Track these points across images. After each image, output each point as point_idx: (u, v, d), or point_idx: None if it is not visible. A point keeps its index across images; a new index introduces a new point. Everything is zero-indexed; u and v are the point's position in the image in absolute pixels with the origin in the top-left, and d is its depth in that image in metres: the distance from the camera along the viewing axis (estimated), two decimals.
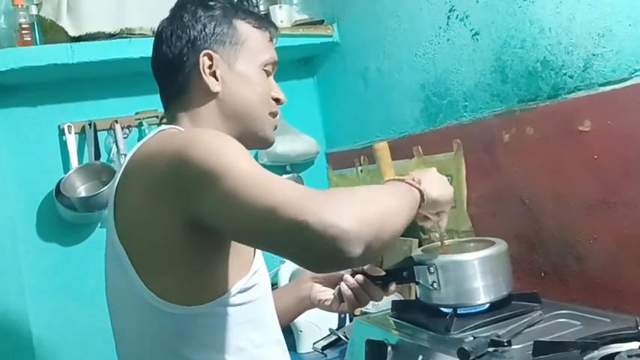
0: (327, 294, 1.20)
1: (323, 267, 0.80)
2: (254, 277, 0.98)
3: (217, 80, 1.04)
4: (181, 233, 0.87)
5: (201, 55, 1.03)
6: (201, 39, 1.04)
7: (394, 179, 0.99)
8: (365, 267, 1.16)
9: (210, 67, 1.04)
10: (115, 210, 0.95)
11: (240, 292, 0.95)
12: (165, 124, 1.07)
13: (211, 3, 1.07)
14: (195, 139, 0.86)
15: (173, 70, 1.06)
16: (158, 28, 1.09)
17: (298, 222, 0.71)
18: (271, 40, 1.12)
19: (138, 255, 0.91)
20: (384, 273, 1.15)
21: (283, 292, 1.28)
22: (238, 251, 0.96)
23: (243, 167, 0.80)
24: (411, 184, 0.96)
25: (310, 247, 0.72)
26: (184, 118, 1.05)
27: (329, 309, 1.20)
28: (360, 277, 1.13)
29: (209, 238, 0.88)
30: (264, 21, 1.12)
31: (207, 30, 1.04)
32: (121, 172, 0.97)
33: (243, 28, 1.07)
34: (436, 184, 1.04)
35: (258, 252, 1.02)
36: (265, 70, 1.09)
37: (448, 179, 1.50)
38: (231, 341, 0.95)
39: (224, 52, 1.05)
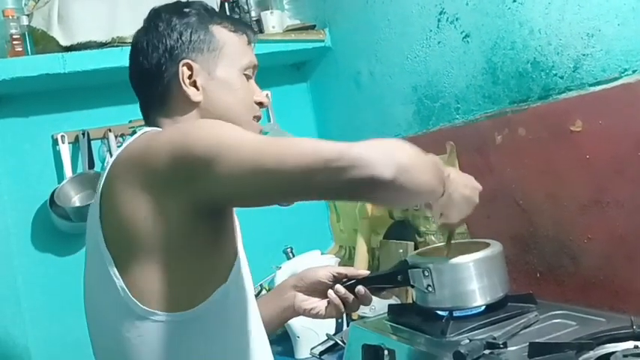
0: (311, 302, 1.18)
1: (359, 189, 0.81)
2: (236, 281, 0.98)
3: (198, 89, 1.03)
4: (178, 226, 0.88)
5: (180, 65, 1.02)
6: (178, 48, 1.03)
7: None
8: (349, 272, 1.17)
9: (189, 76, 1.03)
10: (101, 216, 0.93)
11: (223, 295, 0.94)
12: None
13: (186, 10, 1.06)
14: (194, 126, 0.89)
15: (152, 81, 1.04)
16: (133, 40, 1.08)
17: (333, 153, 0.77)
18: (249, 43, 1.10)
19: (125, 261, 0.90)
20: (366, 274, 1.15)
21: (267, 300, 1.25)
22: (220, 255, 0.95)
23: (251, 135, 0.84)
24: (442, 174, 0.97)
25: (347, 170, 0.76)
26: (167, 126, 1.04)
27: (315, 317, 1.19)
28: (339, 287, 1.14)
29: (203, 229, 0.89)
30: (241, 24, 1.11)
31: (183, 38, 1.03)
32: (104, 179, 0.95)
33: (221, 33, 1.06)
34: (460, 201, 1.02)
35: (240, 256, 1.01)
36: (245, 75, 1.08)
37: None
38: (216, 345, 0.95)
39: (203, 59, 1.04)
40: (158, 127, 1.05)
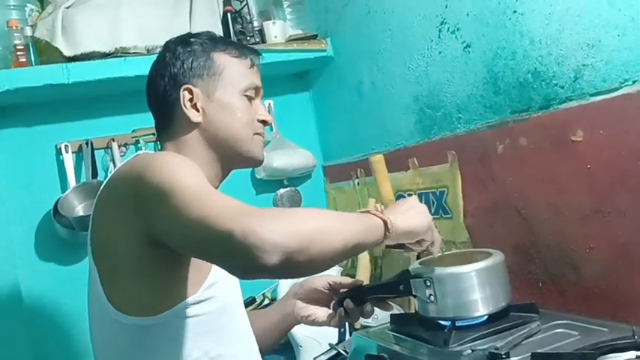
0: (308, 310, 1.25)
1: (244, 274, 0.83)
2: (209, 291, 1.04)
3: (198, 111, 1.11)
4: (140, 248, 0.96)
5: (182, 89, 1.11)
6: (180, 75, 1.12)
7: (360, 212, 1.01)
8: (344, 282, 1.22)
9: (190, 100, 1.11)
10: (92, 231, 1.04)
11: (193, 304, 1.02)
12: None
13: (192, 40, 1.15)
14: (152, 162, 0.96)
15: (160, 106, 1.15)
16: (149, 70, 1.18)
17: (224, 231, 0.77)
18: (252, 66, 1.17)
19: (105, 271, 1.00)
20: (360, 283, 1.21)
21: (272, 308, 1.35)
22: (193, 265, 1.02)
23: (189, 184, 0.88)
24: (372, 214, 0.98)
25: (232, 254, 0.79)
26: (170, 147, 1.13)
27: (312, 324, 1.26)
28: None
29: (163, 252, 0.95)
30: (244, 49, 1.18)
31: (185, 66, 1.12)
32: (97, 196, 1.05)
33: (221, 59, 1.14)
34: (409, 214, 1.04)
35: (221, 271, 1.04)
36: (246, 96, 1.15)
37: (444, 191, 1.53)
38: (184, 351, 1.02)
39: (203, 84, 1.12)
40: (164, 147, 1.16)
